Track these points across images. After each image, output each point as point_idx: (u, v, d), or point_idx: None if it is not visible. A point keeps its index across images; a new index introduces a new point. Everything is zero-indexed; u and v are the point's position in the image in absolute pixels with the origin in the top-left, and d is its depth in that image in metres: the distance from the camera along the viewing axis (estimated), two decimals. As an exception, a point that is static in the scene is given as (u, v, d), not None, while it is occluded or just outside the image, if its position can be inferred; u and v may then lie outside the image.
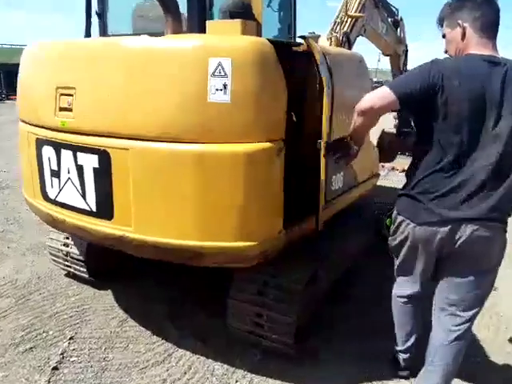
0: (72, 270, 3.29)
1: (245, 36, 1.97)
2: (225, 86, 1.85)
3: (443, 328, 1.95)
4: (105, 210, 2.11)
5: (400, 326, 2.27)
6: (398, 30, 5.28)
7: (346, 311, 3.01)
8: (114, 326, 2.82)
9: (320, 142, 2.18)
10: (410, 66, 5.89)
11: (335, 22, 4.11)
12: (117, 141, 1.98)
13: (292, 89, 2.58)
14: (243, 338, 2.54)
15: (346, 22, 4.09)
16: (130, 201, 2.03)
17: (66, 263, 3.28)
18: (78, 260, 3.18)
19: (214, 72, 1.84)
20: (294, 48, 2.46)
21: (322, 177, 2.22)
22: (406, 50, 5.60)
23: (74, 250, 3.16)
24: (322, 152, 2.19)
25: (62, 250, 3.25)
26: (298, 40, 2.97)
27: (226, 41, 1.89)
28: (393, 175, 7.45)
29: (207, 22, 2.32)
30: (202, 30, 2.29)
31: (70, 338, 2.68)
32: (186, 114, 1.87)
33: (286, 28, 3.76)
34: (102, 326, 2.82)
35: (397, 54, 5.42)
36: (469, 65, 1.71)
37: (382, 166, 7.56)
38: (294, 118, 2.62)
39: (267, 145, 1.93)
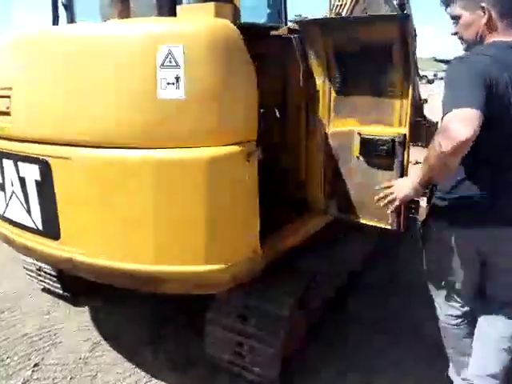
0: (46, 286, 3.04)
1: (202, 18, 1.63)
2: (177, 78, 1.52)
3: (497, 329, 1.84)
4: (51, 228, 1.81)
5: (460, 352, 1.99)
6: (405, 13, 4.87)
7: (347, 317, 2.72)
8: (86, 350, 2.55)
9: (404, 135, 1.81)
10: (419, 53, 5.47)
11: (333, 6, 3.74)
12: (57, 148, 1.68)
13: (270, 79, 2.25)
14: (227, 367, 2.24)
15: (345, 4, 3.71)
16: (76, 218, 1.74)
17: (40, 278, 3.02)
18: (50, 275, 2.92)
19: (164, 62, 1.52)
20: (273, 32, 2.11)
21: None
22: (415, 35, 5.17)
23: (47, 265, 2.90)
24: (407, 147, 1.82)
25: (34, 264, 2.99)
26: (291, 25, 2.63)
27: (177, 24, 1.56)
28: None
29: (178, 6, 2.00)
30: (173, 15, 1.98)
31: (35, 365, 2.42)
32: (132, 114, 1.55)
33: (275, 13, 3.41)
34: (72, 350, 2.55)
35: (404, 38, 4.99)
36: (502, 55, 1.56)
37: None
38: (278, 113, 2.29)
39: (233, 148, 1.60)
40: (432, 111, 5.05)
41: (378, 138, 1.86)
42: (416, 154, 6.61)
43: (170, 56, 1.51)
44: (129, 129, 1.56)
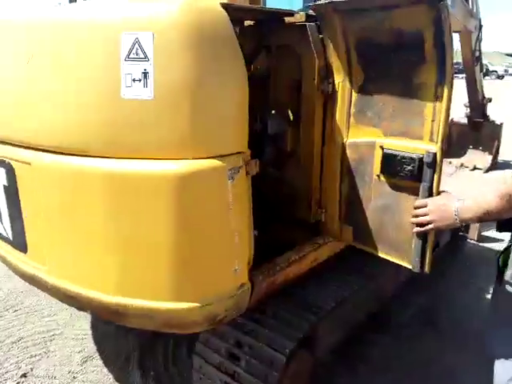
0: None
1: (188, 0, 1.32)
2: (145, 74, 1.24)
3: None
4: (19, 239, 1.62)
5: None
6: (470, 1, 4.26)
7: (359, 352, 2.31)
8: (77, 363, 2.38)
9: (434, 154, 1.43)
10: (485, 46, 4.84)
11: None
12: (19, 151, 1.47)
13: (283, 75, 1.92)
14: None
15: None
16: (40, 231, 1.52)
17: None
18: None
19: (129, 54, 1.24)
20: (288, 19, 1.76)
21: None
22: (480, 26, 4.54)
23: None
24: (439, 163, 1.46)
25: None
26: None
27: (147, 6, 1.26)
28: (462, 173, 6.27)
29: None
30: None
31: (23, 376, 2.29)
32: (91, 116, 1.29)
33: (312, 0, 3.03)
34: (63, 362, 2.39)
35: (467, 30, 4.38)
36: None
37: (450, 163, 6.49)
38: (291, 116, 1.95)
39: (212, 163, 1.29)
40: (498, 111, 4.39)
41: (402, 154, 1.48)
42: (475, 158, 5.91)
43: (136, 45, 1.23)
44: (88, 134, 1.30)
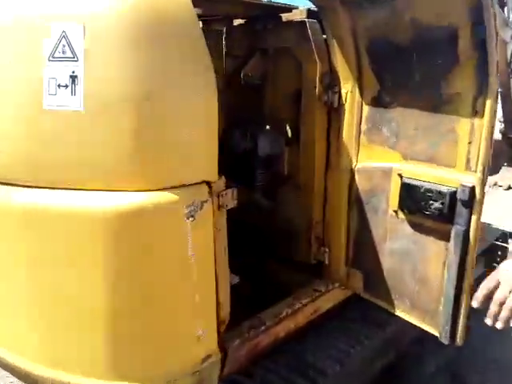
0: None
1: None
2: (73, 78, 0.93)
3: None
4: None
5: None
6: (505, 9, 3.89)
7: None
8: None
9: (471, 188, 1.08)
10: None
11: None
12: None
13: (280, 83, 1.59)
14: None
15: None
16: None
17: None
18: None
19: (54, 52, 0.93)
20: (286, 16, 1.44)
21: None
22: (517, 33, 4.13)
23: None
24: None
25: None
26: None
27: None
28: (495, 192, 5.75)
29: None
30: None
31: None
32: (8, 133, 0.98)
33: None
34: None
35: (503, 40, 3.98)
36: None
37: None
38: (289, 133, 1.61)
39: (163, 196, 0.96)
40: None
41: (427, 186, 1.13)
42: (510, 176, 5.45)
43: (63, 41, 0.92)
44: (3, 155, 1.00)
